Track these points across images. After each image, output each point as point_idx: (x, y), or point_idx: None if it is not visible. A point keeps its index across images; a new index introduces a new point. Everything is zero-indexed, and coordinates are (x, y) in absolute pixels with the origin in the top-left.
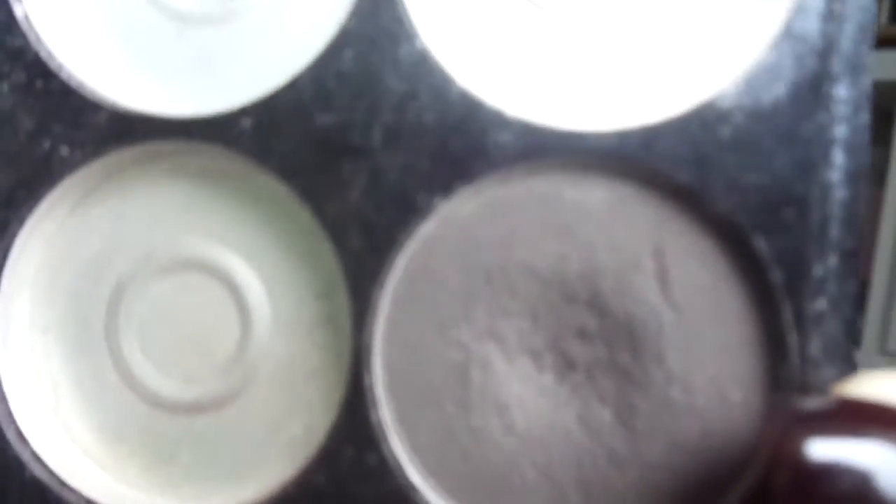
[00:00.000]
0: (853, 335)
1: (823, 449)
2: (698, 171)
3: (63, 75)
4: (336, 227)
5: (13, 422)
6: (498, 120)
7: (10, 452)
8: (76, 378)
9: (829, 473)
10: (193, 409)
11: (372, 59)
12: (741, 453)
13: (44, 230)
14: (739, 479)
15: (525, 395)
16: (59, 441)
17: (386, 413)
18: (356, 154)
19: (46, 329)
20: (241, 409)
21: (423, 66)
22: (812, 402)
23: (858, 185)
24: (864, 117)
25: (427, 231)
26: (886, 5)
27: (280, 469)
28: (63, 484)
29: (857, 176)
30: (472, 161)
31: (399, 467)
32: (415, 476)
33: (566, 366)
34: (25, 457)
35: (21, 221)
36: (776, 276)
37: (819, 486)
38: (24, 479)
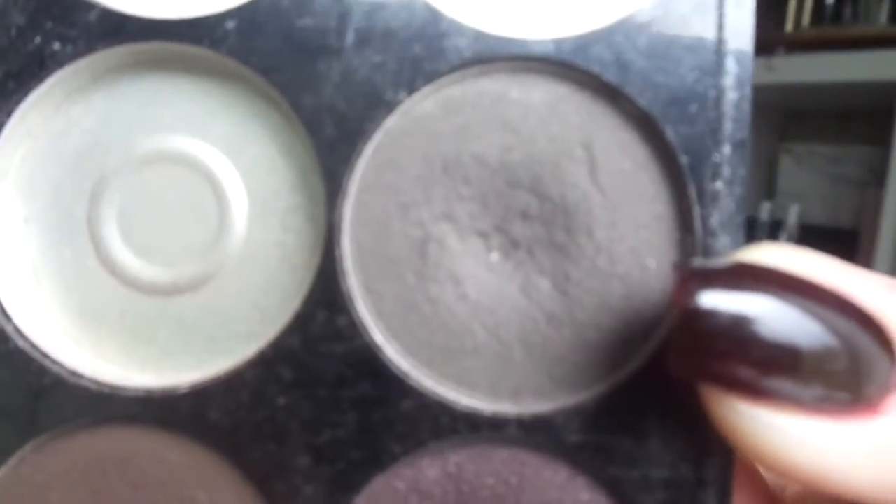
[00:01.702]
0: (743, 212)
1: (710, 297)
2: (620, 74)
3: None
4: (311, 118)
5: None
6: (455, 27)
7: None
8: (56, 264)
9: (712, 315)
10: (171, 290)
11: None
12: (656, 312)
13: (29, 123)
14: (654, 334)
15: (475, 270)
16: (39, 321)
17: (354, 282)
18: (330, 54)
19: (27, 219)
20: (218, 290)
21: None
22: (708, 262)
23: (745, 89)
24: (748, 31)
25: (392, 124)
26: (886, 5)
27: (255, 343)
28: (46, 355)
29: (744, 81)
30: (432, 62)
31: (365, 329)
32: (379, 337)
33: (510, 244)
34: (9, 330)
35: (9, 113)
36: (683, 160)
37: (703, 324)
38: (9, 349)
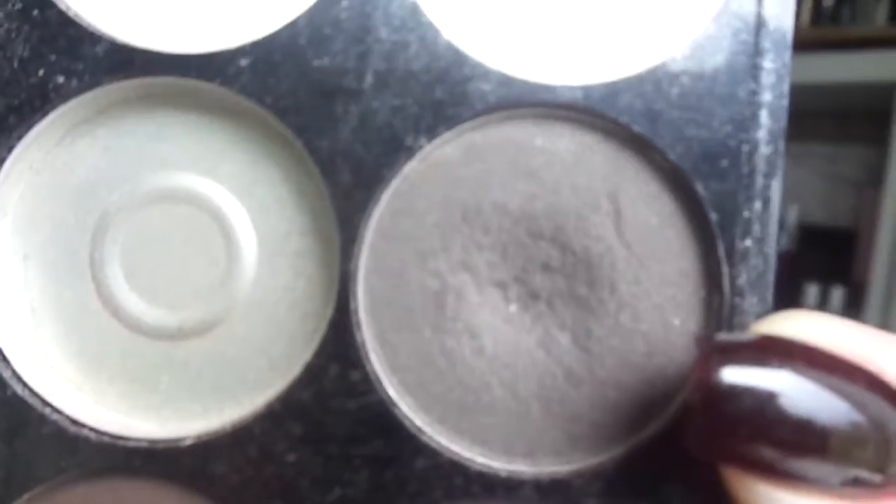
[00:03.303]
0: (771, 270)
1: (732, 374)
2: (650, 125)
3: (61, 5)
4: (326, 163)
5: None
6: (479, 70)
7: None
8: (56, 305)
9: (735, 394)
10: (176, 335)
11: (366, 8)
12: (679, 371)
13: (30, 157)
14: (677, 395)
15: (493, 322)
16: (38, 365)
17: (368, 334)
18: (348, 96)
19: (27, 256)
20: (224, 336)
21: (414, 17)
22: (731, 336)
23: (778, 143)
24: (785, 86)
25: (410, 169)
26: (884, 6)
27: (261, 392)
28: (45, 403)
29: (777, 135)
30: (455, 107)
31: (379, 383)
32: (393, 392)
33: (530, 296)
34: (7, 375)
35: (9, 149)
36: (713, 216)
37: (726, 404)
38: (6, 397)
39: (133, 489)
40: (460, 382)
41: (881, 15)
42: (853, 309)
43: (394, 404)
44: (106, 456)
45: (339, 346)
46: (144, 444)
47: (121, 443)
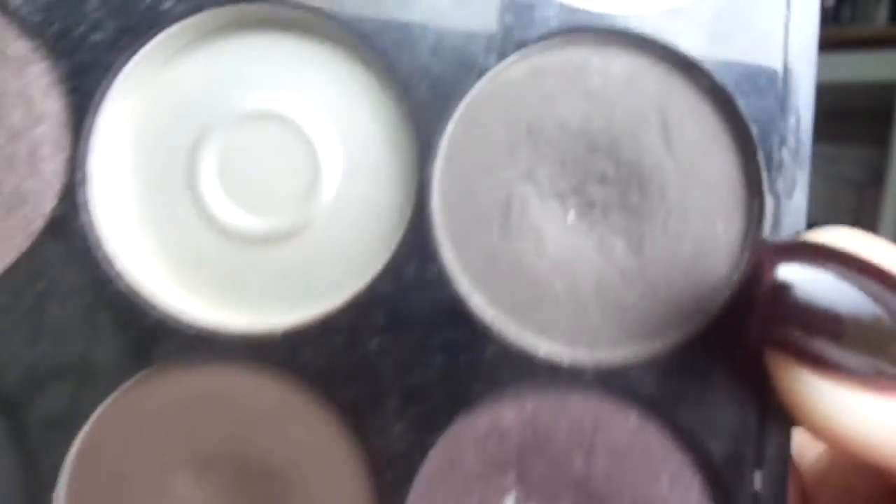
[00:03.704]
0: (805, 177)
1: (789, 271)
2: (696, 49)
3: None
4: (407, 81)
5: (101, 245)
6: (545, 0)
7: (100, 269)
8: (156, 213)
9: (788, 288)
10: (265, 240)
11: None
12: (723, 270)
13: (137, 77)
14: (722, 291)
15: (554, 229)
16: (141, 266)
17: (442, 235)
18: (426, 20)
19: (132, 169)
20: (310, 241)
21: None
22: (785, 240)
23: (807, 62)
24: (816, 8)
25: (481, 88)
26: (885, 5)
27: (346, 290)
28: (147, 298)
29: (807, 54)
30: (522, 31)
31: (453, 279)
32: (465, 287)
33: (587, 206)
34: (112, 273)
35: (120, 68)
36: (753, 130)
37: (782, 297)
38: (112, 291)
39: (228, 375)
40: (525, 280)
41: (882, 15)
42: None
43: (465, 298)
44: (203, 346)
45: (416, 244)
46: (238, 336)
47: (217, 334)
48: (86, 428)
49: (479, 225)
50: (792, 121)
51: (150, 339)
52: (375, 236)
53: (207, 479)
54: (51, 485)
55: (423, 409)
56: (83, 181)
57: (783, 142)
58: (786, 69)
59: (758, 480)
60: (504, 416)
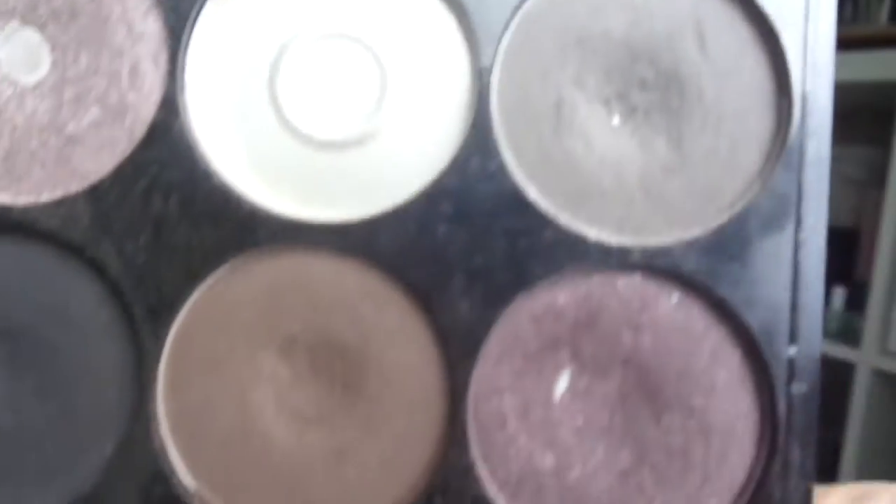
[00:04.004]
0: (831, 76)
1: None
2: None
3: None
4: (463, 6)
5: (197, 147)
6: None
7: (200, 166)
8: (240, 123)
9: None
10: (341, 146)
11: None
12: (757, 163)
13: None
14: (757, 181)
15: (600, 130)
16: (232, 169)
17: (501, 133)
18: None
19: (217, 80)
20: (382, 145)
21: None
22: None
23: None
24: None
25: (535, 2)
26: (886, 5)
27: (415, 186)
28: (241, 195)
29: None
30: None
31: (512, 171)
32: (523, 179)
33: (630, 110)
34: (208, 171)
35: None
36: (781, 35)
37: None
38: (211, 186)
39: (310, 263)
40: (576, 174)
41: (883, 14)
42: (855, 309)
43: (524, 188)
44: (288, 234)
45: (478, 142)
46: (320, 225)
47: (300, 225)
48: (183, 313)
49: (534, 126)
50: (811, 28)
51: (242, 228)
52: (440, 139)
53: (292, 358)
54: (154, 365)
55: (487, 287)
56: (181, 90)
57: (806, 45)
58: None
59: (793, 350)
60: (559, 297)
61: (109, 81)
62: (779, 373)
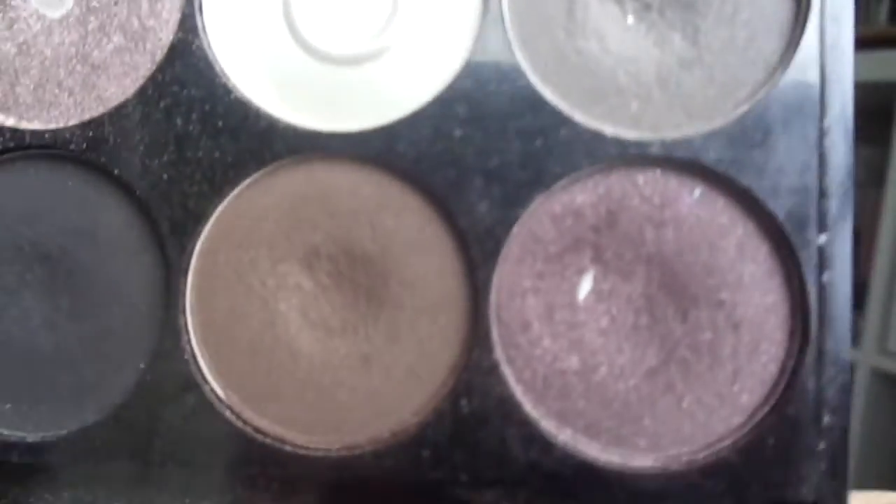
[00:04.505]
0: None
1: None
2: None
3: None
4: None
5: (216, 64)
6: None
7: (218, 82)
8: (257, 41)
9: None
10: (357, 60)
11: None
12: (777, 51)
13: None
14: (780, 67)
15: (615, 30)
16: (253, 87)
17: (514, 35)
18: None
19: (229, 6)
20: (396, 58)
21: None
22: None
23: None
24: None
25: None
26: (886, 5)
27: (429, 94)
28: (259, 108)
29: None
30: None
31: (525, 72)
32: (538, 81)
33: (643, 8)
34: (230, 84)
35: None
36: None
37: None
38: (231, 100)
39: (330, 172)
40: (591, 74)
41: (883, 14)
42: (855, 308)
43: (539, 87)
44: (307, 144)
45: (490, 43)
46: (338, 134)
47: (318, 134)
48: (208, 226)
49: (546, 27)
50: None
51: (260, 141)
52: (453, 48)
53: (315, 268)
54: (181, 279)
55: (505, 188)
56: (199, 10)
57: None
58: None
59: (823, 238)
60: (578, 196)
61: (129, 9)
62: (808, 261)
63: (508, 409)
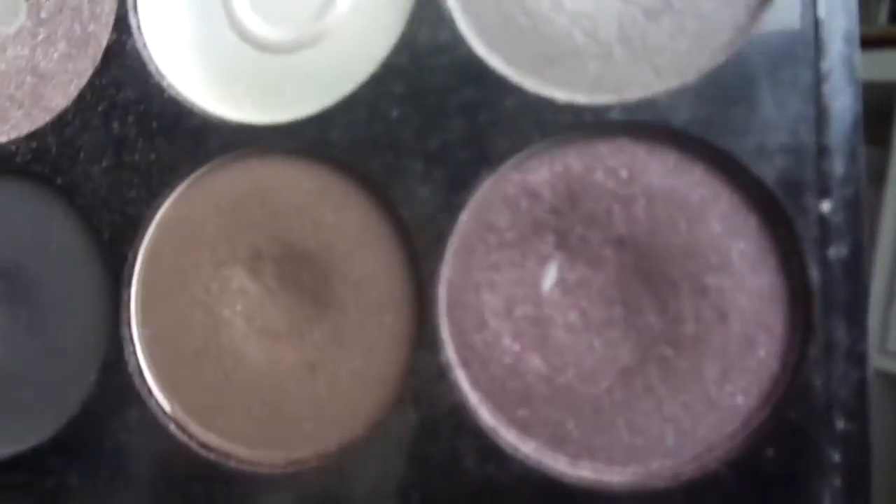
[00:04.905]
0: None
1: None
2: None
3: None
4: None
5: (151, 63)
6: None
7: (152, 82)
8: (195, 35)
9: None
10: (294, 47)
11: None
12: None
13: None
14: (760, 16)
15: None
16: (187, 83)
17: (454, 3)
18: None
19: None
20: (334, 44)
21: None
22: None
23: None
24: None
25: None
26: (886, 5)
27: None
28: (193, 104)
29: None
30: None
31: (464, 40)
32: (481, 50)
33: None
34: (164, 84)
35: None
36: None
37: None
38: (164, 99)
39: (267, 169)
40: (543, 36)
41: (883, 15)
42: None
43: (480, 56)
44: (241, 138)
45: (426, 13)
46: (271, 126)
47: (253, 129)
48: (149, 233)
49: None
50: None
51: (194, 140)
52: (391, 27)
53: (259, 271)
54: (125, 288)
55: (447, 170)
56: (132, 9)
57: None
58: None
59: (825, 206)
60: (533, 175)
61: (73, 16)
62: (807, 233)
63: (461, 417)
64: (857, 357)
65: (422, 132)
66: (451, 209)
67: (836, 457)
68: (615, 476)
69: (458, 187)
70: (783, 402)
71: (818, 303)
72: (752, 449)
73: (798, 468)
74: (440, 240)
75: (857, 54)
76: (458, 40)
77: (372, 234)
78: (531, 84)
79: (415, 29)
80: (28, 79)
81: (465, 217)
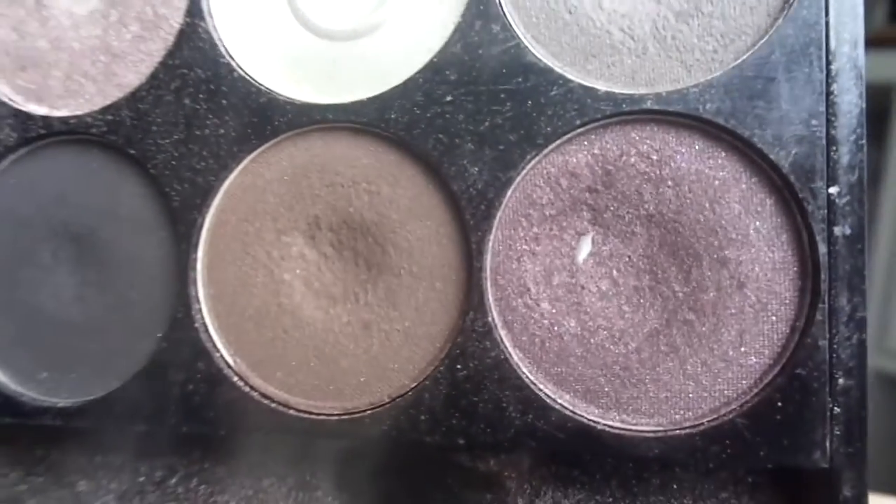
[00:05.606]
0: None
1: None
2: None
3: None
4: None
5: (221, 45)
6: None
7: (222, 62)
8: (260, 21)
9: None
10: (352, 36)
11: None
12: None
13: None
14: (782, 15)
15: None
16: (257, 64)
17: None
18: None
19: None
20: (390, 33)
21: None
22: None
23: None
24: None
25: None
26: (885, 5)
27: (422, 61)
28: (261, 83)
29: None
30: None
31: (514, 33)
32: (528, 42)
33: None
34: (234, 65)
35: None
36: None
37: None
38: (234, 78)
39: (328, 145)
40: (584, 31)
41: (880, 15)
42: None
43: (528, 48)
44: (306, 116)
45: (480, 8)
46: (334, 105)
47: (317, 106)
48: (216, 200)
49: None
50: None
51: (262, 116)
52: (443, 17)
53: (317, 238)
54: (192, 251)
55: (496, 150)
56: None
57: None
58: None
59: (833, 189)
60: (572, 156)
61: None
62: (817, 213)
63: (504, 372)
64: (857, 322)
65: (473, 116)
66: (499, 186)
67: (837, 408)
68: (641, 425)
69: (505, 166)
70: (792, 360)
71: (824, 273)
72: (764, 402)
73: (804, 419)
74: (488, 213)
75: (863, 56)
76: (508, 33)
77: (425, 206)
78: (573, 74)
79: (468, 22)
80: (102, 57)
81: (510, 193)
